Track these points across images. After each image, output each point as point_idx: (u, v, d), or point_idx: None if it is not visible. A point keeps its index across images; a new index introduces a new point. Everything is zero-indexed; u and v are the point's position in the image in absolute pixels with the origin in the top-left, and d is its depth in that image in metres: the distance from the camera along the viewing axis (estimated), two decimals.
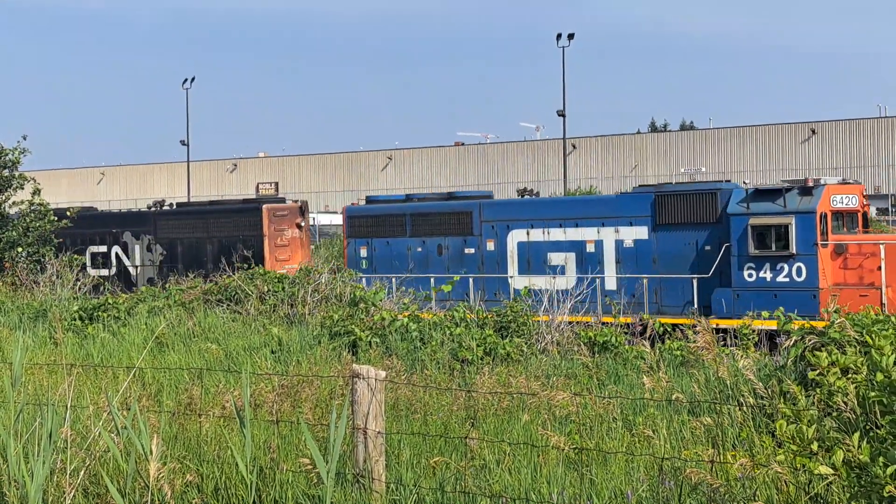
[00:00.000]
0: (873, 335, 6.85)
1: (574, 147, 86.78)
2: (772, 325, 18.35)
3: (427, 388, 10.67)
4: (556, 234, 26.44)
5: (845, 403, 7.14)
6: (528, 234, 26.76)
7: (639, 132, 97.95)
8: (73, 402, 8.79)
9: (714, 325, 20.89)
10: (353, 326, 14.55)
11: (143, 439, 7.72)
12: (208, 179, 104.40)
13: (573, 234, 26.16)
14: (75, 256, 29.39)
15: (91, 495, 8.22)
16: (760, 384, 7.46)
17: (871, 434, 6.80)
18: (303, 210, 31.34)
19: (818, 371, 7.03)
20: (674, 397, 9.63)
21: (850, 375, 7.25)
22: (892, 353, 6.63)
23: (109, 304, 18.23)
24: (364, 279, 25.76)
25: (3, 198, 30.26)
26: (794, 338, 9.58)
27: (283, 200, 32.28)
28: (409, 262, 28.34)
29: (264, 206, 30.31)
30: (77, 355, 14.87)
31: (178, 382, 12.30)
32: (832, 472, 6.36)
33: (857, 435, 6.54)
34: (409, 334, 14.55)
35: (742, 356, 8.97)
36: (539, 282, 25.37)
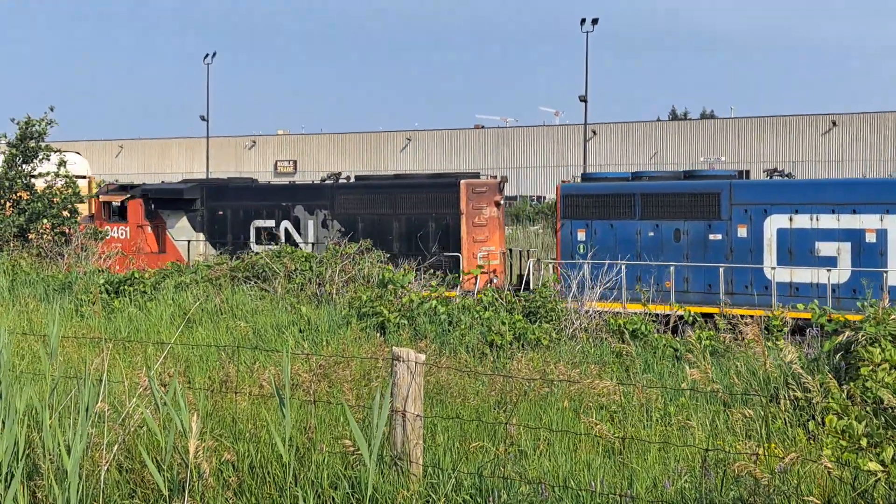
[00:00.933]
0: None
1: (594, 133, 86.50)
2: (802, 316, 18.23)
3: (465, 371, 10.65)
4: (828, 221, 23.37)
5: (892, 399, 7.08)
6: (790, 219, 23.73)
7: (658, 120, 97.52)
8: (106, 377, 8.79)
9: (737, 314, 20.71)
10: (381, 308, 14.54)
11: (183, 416, 7.72)
12: (226, 156, 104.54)
13: (849, 221, 23.18)
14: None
15: (125, 470, 8.23)
16: (809, 378, 7.41)
17: None
18: (501, 187, 28.38)
19: (870, 367, 6.98)
20: (711, 388, 9.58)
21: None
22: None
23: (136, 278, 18.26)
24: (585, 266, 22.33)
25: (30, 168, 30.14)
26: (841, 332, 9.50)
27: (476, 175, 29.32)
28: (636, 248, 25.64)
29: (462, 182, 27.26)
30: (106, 329, 14.90)
31: (208, 360, 12.31)
32: (881, 468, 6.32)
33: None
34: (437, 317, 14.52)
35: (788, 350, 8.91)
36: (803, 274, 23.22)
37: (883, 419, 7.30)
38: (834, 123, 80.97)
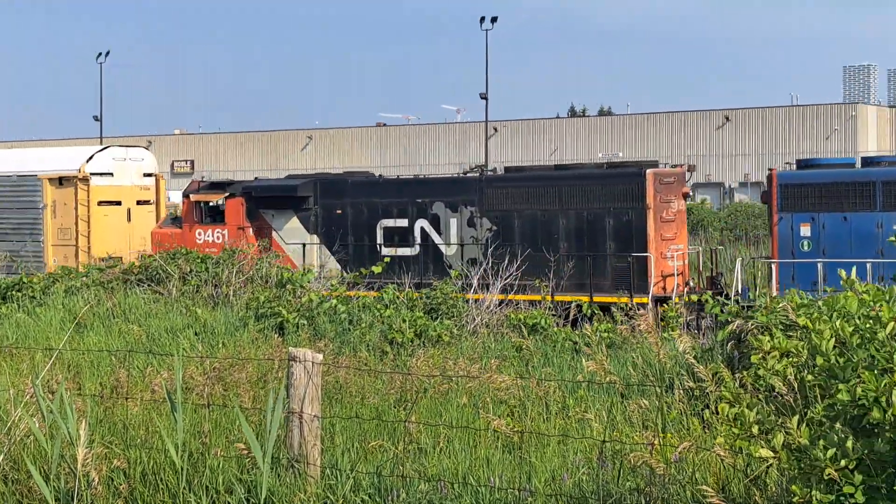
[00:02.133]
0: (814, 320, 6.90)
1: (496, 130, 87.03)
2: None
3: (365, 371, 10.54)
4: None
5: (783, 386, 7.18)
6: None
7: (558, 117, 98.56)
8: None
9: (636, 303, 20.92)
10: (280, 308, 14.35)
11: (70, 423, 7.48)
12: None
13: None
14: None
15: (11, 482, 7.96)
16: (701, 367, 7.49)
17: (809, 417, 6.86)
18: (687, 176, 25.04)
19: (760, 354, 7.07)
20: (607, 379, 9.64)
21: (787, 359, 7.31)
22: (831, 338, 6.68)
23: (24, 283, 17.74)
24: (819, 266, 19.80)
25: None
26: (731, 321, 9.65)
27: (655, 164, 25.26)
28: (877, 245, 22.41)
29: (649, 172, 23.36)
30: None
31: (100, 365, 11.99)
32: (773, 455, 6.40)
33: (796, 418, 6.58)
34: (337, 316, 14.39)
35: (682, 340, 9.01)
36: None
37: (774, 406, 7.41)
38: (727, 118, 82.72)
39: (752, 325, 8.90)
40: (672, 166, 25.49)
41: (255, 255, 25.67)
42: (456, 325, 14.37)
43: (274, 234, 26.86)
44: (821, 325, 6.84)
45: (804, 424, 6.57)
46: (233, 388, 9.94)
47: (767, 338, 7.04)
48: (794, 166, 25.12)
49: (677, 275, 22.63)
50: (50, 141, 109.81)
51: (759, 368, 8.01)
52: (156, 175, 31.12)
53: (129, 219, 29.94)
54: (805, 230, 23.05)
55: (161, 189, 31.16)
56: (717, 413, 7.06)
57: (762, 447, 6.39)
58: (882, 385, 6.31)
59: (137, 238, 29.31)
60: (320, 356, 8.03)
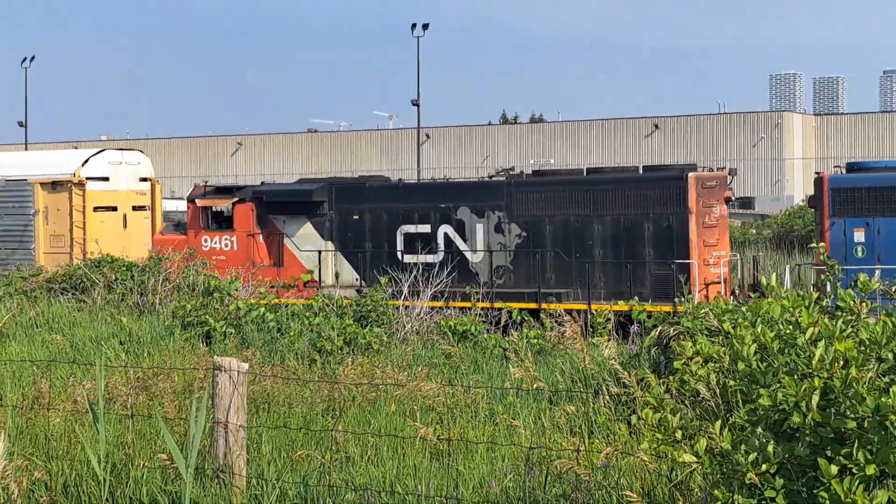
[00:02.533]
0: (736, 325, 6.99)
1: (427, 137, 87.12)
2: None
3: (291, 380, 10.46)
4: None
5: (708, 392, 7.27)
6: None
7: (490, 124, 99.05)
8: None
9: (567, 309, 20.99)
10: (206, 316, 14.19)
11: None
12: None
13: None
14: None
15: None
16: (626, 373, 7.55)
17: (731, 422, 6.95)
18: (729, 180, 23.77)
19: (682, 360, 7.14)
20: (535, 386, 9.69)
21: (710, 364, 7.40)
22: (752, 343, 6.77)
23: None
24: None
25: None
26: (654, 326, 9.75)
27: (693, 167, 23.94)
28: None
29: (691, 175, 22.26)
30: None
31: (21, 375, 11.76)
32: (695, 459, 6.47)
33: (718, 423, 6.66)
34: (265, 324, 14.27)
35: (606, 345, 9.08)
36: None
37: (698, 412, 7.50)
38: (656, 126, 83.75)
39: (674, 330, 9.00)
40: (718, 168, 24.45)
41: (263, 261, 25.03)
42: (386, 333, 14.33)
43: (286, 240, 25.57)
44: (742, 330, 6.93)
45: (726, 429, 6.65)
46: (158, 398, 9.80)
47: (690, 343, 7.12)
48: (844, 169, 24.14)
49: (721, 282, 21.96)
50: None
51: (684, 374, 8.11)
52: (152, 180, 29.85)
53: (125, 225, 28.47)
54: (859, 235, 22.21)
55: (157, 194, 29.77)
56: (643, 418, 7.13)
57: (685, 452, 6.46)
58: (802, 390, 6.42)
59: (134, 245, 27.64)
60: (246, 365, 7.96)
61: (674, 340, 8.75)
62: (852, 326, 7.33)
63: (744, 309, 8.84)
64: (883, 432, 6.19)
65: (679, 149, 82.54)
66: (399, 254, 24.26)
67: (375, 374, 10.75)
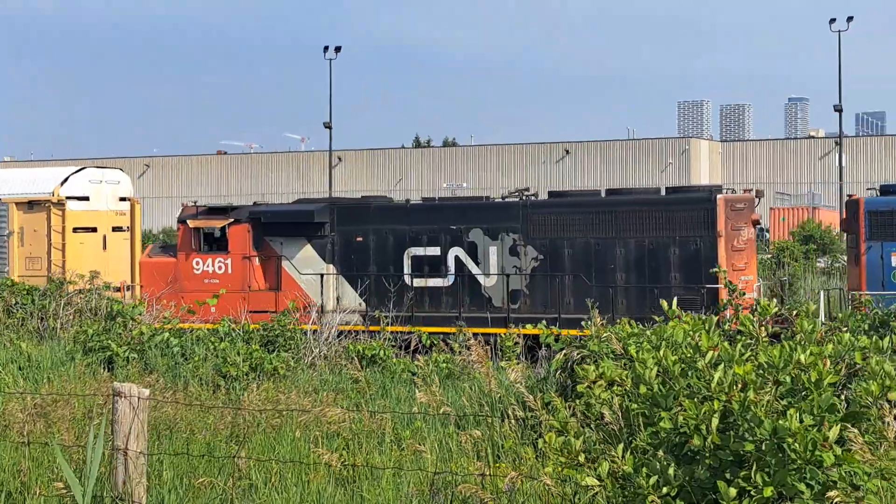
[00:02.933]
0: (639, 349, 7.07)
1: (340, 159, 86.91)
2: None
3: (193, 405, 10.28)
4: None
5: (610, 415, 7.33)
6: None
7: (403, 147, 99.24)
8: None
9: (480, 332, 20.94)
10: (109, 341, 13.91)
11: None
12: None
13: None
14: None
15: None
16: (531, 396, 7.58)
17: (634, 445, 7.01)
18: (757, 203, 22.99)
19: (586, 384, 7.20)
20: (442, 410, 9.66)
21: (614, 388, 7.46)
22: (654, 367, 6.85)
23: None
24: None
25: None
26: (559, 350, 9.81)
27: (719, 189, 23.12)
28: None
29: (720, 197, 21.52)
30: None
31: None
32: (598, 483, 6.51)
33: (621, 446, 6.72)
34: (169, 350, 14.03)
35: (513, 369, 9.11)
36: None
37: (602, 435, 7.55)
38: (567, 151, 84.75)
39: (577, 354, 9.06)
40: (747, 189, 23.82)
41: (259, 285, 23.95)
42: (294, 358, 14.19)
43: (284, 263, 24.41)
44: (644, 354, 7.02)
45: (629, 452, 6.71)
46: (56, 424, 9.56)
47: (592, 367, 7.19)
48: (878, 192, 23.80)
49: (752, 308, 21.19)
50: None
51: (589, 398, 8.16)
52: (131, 199, 28.49)
53: (104, 247, 26.84)
54: None
55: (136, 215, 28.21)
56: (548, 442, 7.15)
57: (588, 475, 6.50)
58: (702, 412, 6.50)
59: (114, 268, 26.21)
60: (147, 391, 7.80)
61: (579, 364, 8.82)
62: (751, 350, 7.47)
63: (649, 333, 8.95)
64: (780, 455, 6.30)
65: (589, 173, 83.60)
66: (406, 277, 23.35)
67: (280, 399, 10.63)
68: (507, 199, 24.65)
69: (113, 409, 7.67)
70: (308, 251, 24.30)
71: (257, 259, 24.43)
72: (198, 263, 24.51)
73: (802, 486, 6.21)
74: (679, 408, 6.68)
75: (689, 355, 7.16)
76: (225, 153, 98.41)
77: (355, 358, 13.56)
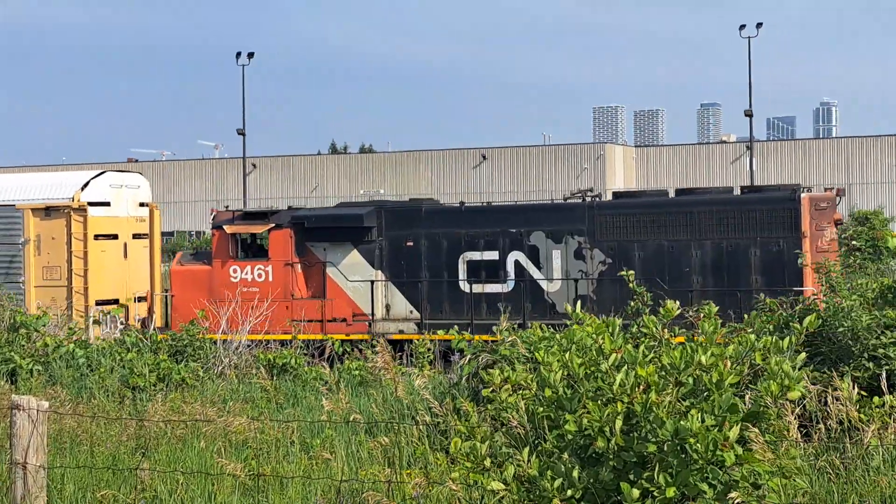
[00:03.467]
0: (543, 352, 7.09)
1: (254, 166, 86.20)
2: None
3: (95, 417, 10.07)
4: None
5: (516, 419, 7.35)
6: None
7: (319, 153, 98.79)
8: None
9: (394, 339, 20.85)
10: (12, 353, 13.58)
11: None
12: None
13: None
14: None
15: None
16: (436, 402, 7.56)
17: (540, 448, 7.02)
18: (839, 201, 21.97)
19: (491, 388, 7.20)
20: (352, 418, 9.61)
21: (521, 392, 7.48)
22: (559, 370, 6.87)
23: None
24: None
25: None
26: (468, 355, 9.82)
27: (799, 188, 21.94)
28: None
29: (804, 196, 20.53)
30: None
31: None
32: (503, 487, 6.51)
33: (526, 450, 6.73)
34: (75, 361, 13.74)
35: (418, 375, 9.08)
36: None
37: (509, 439, 7.56)
38: (484, 157, 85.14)
39: (485, 359, 9.08)
40: (828, 188, 22.71)
41: (301, 293, 22.75)
42: (203, 368, 13.98)
43: (329, 270, 23.11)
44: (550, 357, 7.04)
45: (534, 456, 6.72)
46: None
47: (498, 371, 7.19)
48: None
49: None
50: None
51: (495, 402, 8.17)
52: (150, 205, 26.65)
53: (125, 255, 25.09)
54: None
55: (156, 221, 26.46)
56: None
57: (494, 480, 6.50)
58: (606, 414, 6.54)
59: (134, 277, 24.74)
60: (46, 403, 7.63)
61: (487, 369, 8.83)
62: (654, 352, 7.54)
63: (558, 336, 8.99)
64: (682, 455, 6.37)
65: (506, 179, 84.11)
66: (461, 283, 22.40)
67: (187, 409, 10.47)
68: (569, 201, 23.72)
69: (11, 422, 7.49)
70: (355, 257, 23.28)
71: (299, 265, 23.30)
72: (235, 271, 23.36)
73: (705, 486, 6.28)
74: (584, 410, 6.71)
75: (593, 358, 7.20)
76: (136, 161, 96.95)
77: (263, 367, 13.42)
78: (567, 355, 7.16)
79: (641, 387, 6.53)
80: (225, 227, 23.58)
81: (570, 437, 6.77)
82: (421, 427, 8.78)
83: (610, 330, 7.10)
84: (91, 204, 24.53)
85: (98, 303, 23.45)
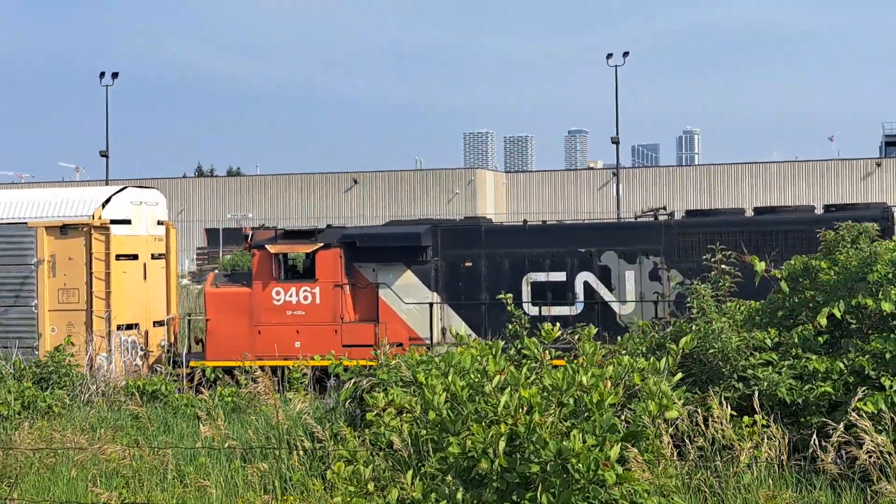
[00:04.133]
0: (428, 375, 7.08)
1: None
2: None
3: None
4: None
5: (399, 442, 7.31)
6: None
7: (185, 176, 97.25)
8: None
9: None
10: None
11: None
12: None
13: None
14: None
15: None
16: (319, 427, 7.46)
17: (423, 471, 7.00)
18: None
19: (375, 412, 7.15)
20: (227, 444, 9.42)
21: (403, 415, 7.44)
22: (442, 393, 6.87)
23: None
24: None
25: None
26: (347, 379, 9.74)
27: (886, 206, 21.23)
28: None
29: None
30: None
31: None
32: None
33: (410, 473, 6.70)
34: None
35: (300, 400, 8.96)
36: None
37: (392, 462, 7.52)
38: (355, 181, 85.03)
39: (367, 383, 9.02)
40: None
41: (350, 317, 21.43)
42: (69, 395, 13.52)
43: (381, 291, 21.90)
44: (433, 380, 7.03)
45: (418, 478, 6.70)
46: None
47: (382, 395, 7.15)
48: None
49: None
50: None
51: (378, 426, 8.12)
52: (166, 223, 25.03)
53: (144, 276, 23.43)
54: None
55: (172, 240, 24.79)
56: (337, 472, 7.05)
57: (377, 503, 6.44)
58: (489, 436, 6.56)
59: (153, 299, 23.25)
60: None
61: (368, 393, 8.78)
62: (536, 374, 7.60)
63: (437, 359, 8.99)
64: (565, 475, 6.43)
65: (378, 203, 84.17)
66: (525, 305, 21.29)
67: (55, 438, 10.10)
68: (640, 220, 22.88)
69: None
70: (409, 278, 22.22)
71: (348, 287, 22.02)
72: (278, 293, 21.91)
73: None
74: (468, 432, 6.72)
75: (477, 380, 7.22)
76: None
77: (136, 393, 13.04)
78: (450, 377, 7.17)
79: (525, 408, 6.57)
80: (268, 246, 22.24)
81: (453, 459, 6.77)
82: (301, 453, 8.66)
83: (493, 352, 7.14)
84: (113, 222, 22.92)
85: (118, 328, 22.21)
